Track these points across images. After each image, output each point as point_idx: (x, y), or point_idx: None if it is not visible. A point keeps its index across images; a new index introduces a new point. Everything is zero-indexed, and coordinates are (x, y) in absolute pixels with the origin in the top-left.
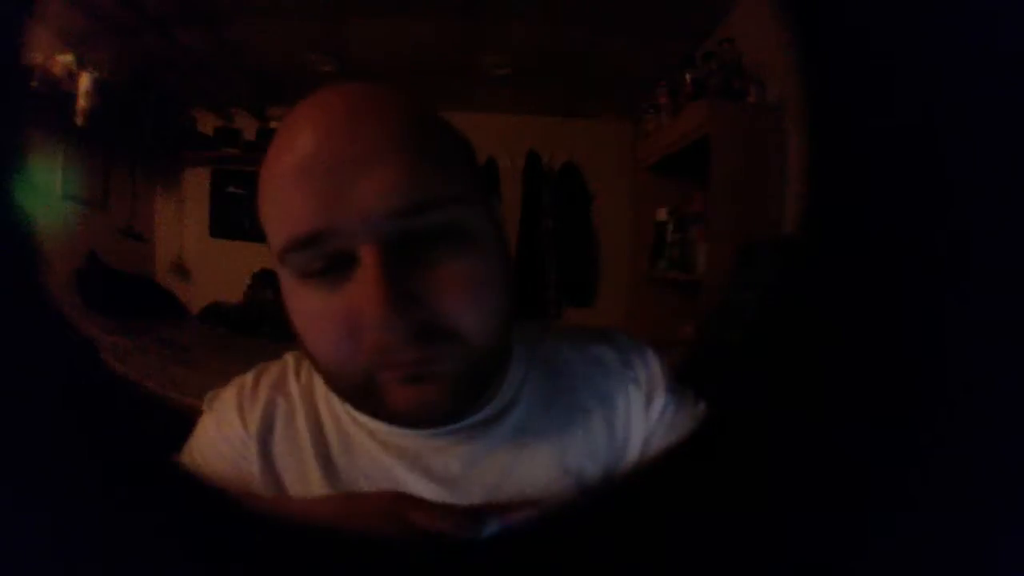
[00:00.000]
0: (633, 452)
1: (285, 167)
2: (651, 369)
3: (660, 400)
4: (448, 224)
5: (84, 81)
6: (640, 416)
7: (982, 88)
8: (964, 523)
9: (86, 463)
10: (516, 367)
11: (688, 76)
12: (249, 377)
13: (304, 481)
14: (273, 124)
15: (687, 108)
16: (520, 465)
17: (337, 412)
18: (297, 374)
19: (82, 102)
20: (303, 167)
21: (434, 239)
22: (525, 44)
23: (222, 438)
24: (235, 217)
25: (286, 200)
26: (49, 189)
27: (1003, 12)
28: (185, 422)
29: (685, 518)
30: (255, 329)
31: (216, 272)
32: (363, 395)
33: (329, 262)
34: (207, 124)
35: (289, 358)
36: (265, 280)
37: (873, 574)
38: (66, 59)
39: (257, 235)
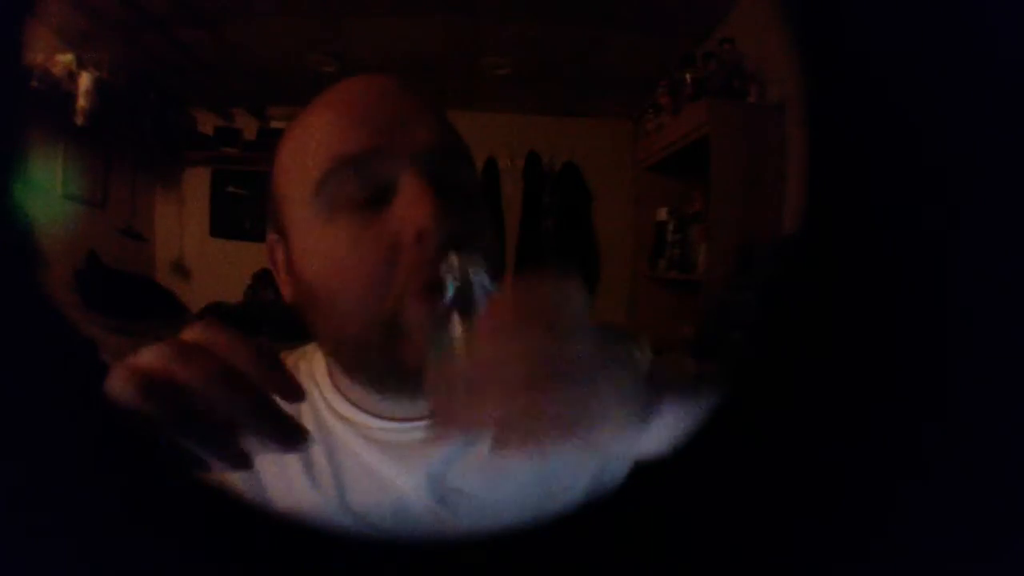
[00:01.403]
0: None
1: (331, 107)
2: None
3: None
4: (465, 179)
5: (84, 81)
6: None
7: (983, 88)
8: (964, 525)
9: (86, 463)
10: None
11: (688, 76)
12: None
13: (284, 477)
14: (273, 124)
15: (687, 108)
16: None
17: (320, 410)
18: None
19: (82, 102)
20: (353, 104)
21: (454, 188)
22: (525, 44)
23: None
24: (235, 217)
25: (332, 128)
26: (49, 189)
27: (1004, 12)
28: None
29: (683, 519)
30: (255, 329)
31: (216, 272)
32: (384, 338)
33: (368, 188)
34: (207, 124)
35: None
36: (265, 280)
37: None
38: (66, 59)
39: (257, 235)
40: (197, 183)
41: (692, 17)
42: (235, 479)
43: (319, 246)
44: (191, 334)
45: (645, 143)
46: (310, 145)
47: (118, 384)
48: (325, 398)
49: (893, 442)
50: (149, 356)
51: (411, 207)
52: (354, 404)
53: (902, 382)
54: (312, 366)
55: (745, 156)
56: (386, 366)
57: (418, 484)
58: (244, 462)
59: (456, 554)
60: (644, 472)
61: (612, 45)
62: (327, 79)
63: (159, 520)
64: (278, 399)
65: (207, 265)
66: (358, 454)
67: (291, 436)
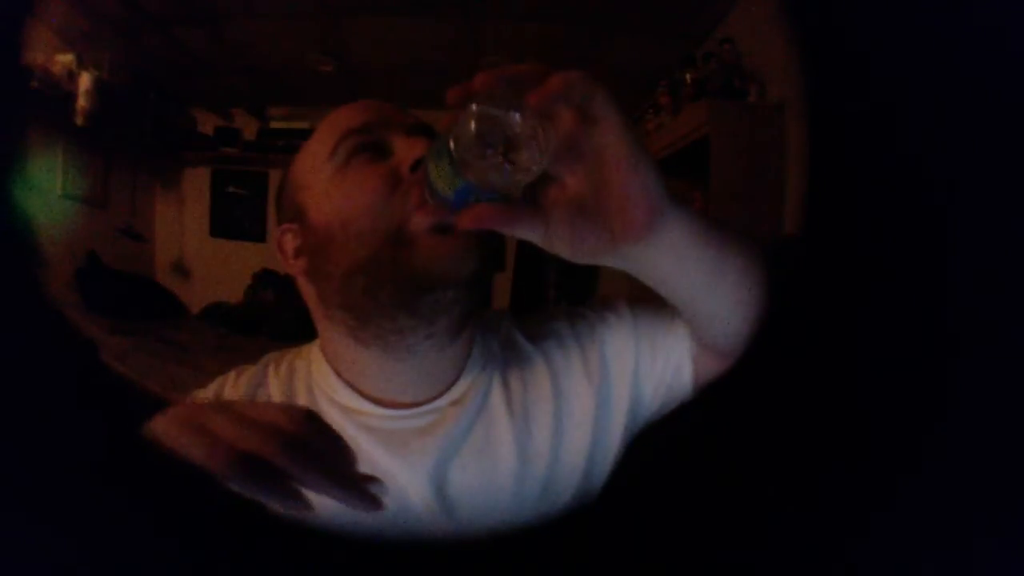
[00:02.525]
0: (618, 384)
1: (337, 112)
2: (594, 326)
3: (615, 344)
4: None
5: (84, 81)
6: (598, 367)
7: (983, 88)
8: (962, 526)
9: (86, 463)
10: (478, 351)
11: (688, 76)
12: (231, 375)
13: None
14: (273, 124)
15: (687, 108)
16: (492, 441)
17: (318, 400)
18: (277, 368)
19: (82, 102)
20: (354, 106)
21: None
22: (525, 44)
23: None
24: (235, 217)
25: (340, 118)
26: (49, 189)
27: (1004, 12)
28: None
29: (682, 518)
30: (255, 329)
31: (216, 272)
32: (394, 249)
33: (370, 147)
34: (207, 124)
35: (269, 357)
36: (265, 280)
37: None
38: (66, 59)
39: (257, 235)
40: (197, 183)
41: (692, 17)
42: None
43: (336, 190)
44: (290, 422)
45: (645, 143)
46: (323, 136)
47: (205, 453)
48: (326, 392)
49: (893, 442)
50: (244, 435)
51: (407, 148)
52: (356, 390)
53: (902, 382)
54: (311, 365)
55: (745, 156)
56: (398, 275)
57: (419, 479)
58: (308, 507)
59: (455, 554)
60: (641, 472)
61: (612, 45)
62: (326, 79)
63: (160, 520)
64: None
65: (207, 265)
66: (359, 446)
67: (369, 506)
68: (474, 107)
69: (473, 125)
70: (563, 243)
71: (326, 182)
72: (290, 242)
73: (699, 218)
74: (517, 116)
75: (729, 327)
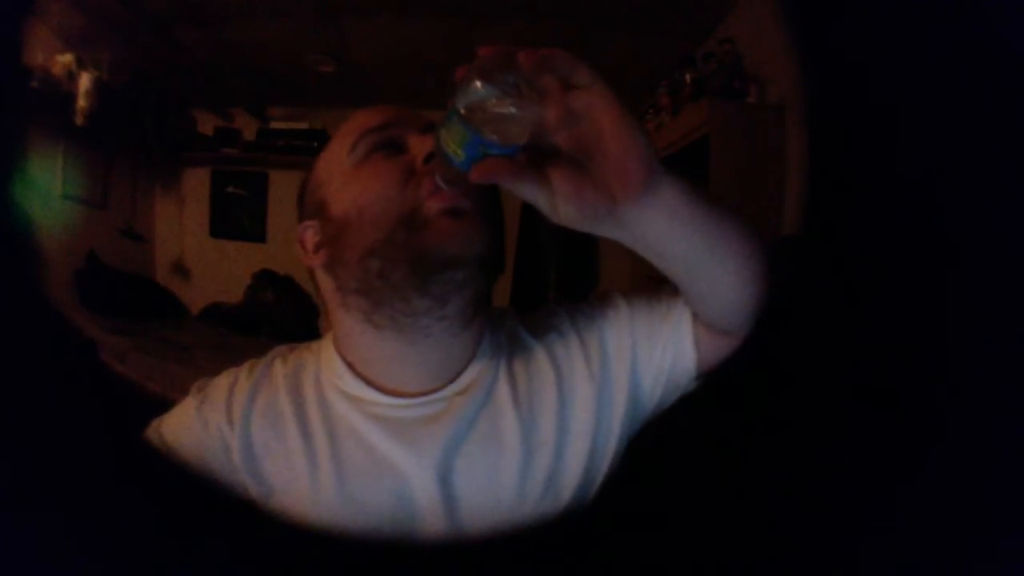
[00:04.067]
0: (618, 378)
1: (355, 116)
2: (593, 320)
3: (609, 334)
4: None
5: (84, 81)
6: (598, 359)
7: (982, 88)
8: (962, 526)
9: (86, 462)
10: (486, 343)
11: (688, 76)
12: (245, 366)
13: (286, 457)
14: (273, 124)
15: (687, 108)
16: (498, 431)
17: (325, 390)
18: (284, 361)
19: (82, 102)
20: (372, 108)
21: None
22: (524, 44)
23: (202, 422)
24: (235, 217)
25: (359, 119)
26: (49, 189)
27: (1004, 13)
28: None
29: (685, 516)
30: (255, 329)
31: (216, 272)
32: (407, 232)
33: (387, 144)
34: (207, 124)
35: (277, 351)
36: (265, 280)
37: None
38: (66, 59)
39: (257, 235)
40: (197, 183)
41: (692, 17)
42: (241, 474)
43: (354, 182)
44: None
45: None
46: (343, 136)
47: None
48: (334, 381)
49: (891, 441)
50: None
51: (421, 144)
52: (364, 379)
53: (901, 381)
54: (320, 356)
55: (745, 156)
56: (411, 256)
57: (425, 469)
58: None
59: (453, 554)
60: (639, 474)
61: (612, 45)
62: (326, 79)
63: (160, 519)
64: None
65: (207, 265)
66: (356, 429)
67: None
68: (477, 66)
69: (478, 82)
70: (567, 203)
71: (345, 175)
72: (311, 238)
73: (690, 183)
74: (514, 76)
75: (729, 300)
